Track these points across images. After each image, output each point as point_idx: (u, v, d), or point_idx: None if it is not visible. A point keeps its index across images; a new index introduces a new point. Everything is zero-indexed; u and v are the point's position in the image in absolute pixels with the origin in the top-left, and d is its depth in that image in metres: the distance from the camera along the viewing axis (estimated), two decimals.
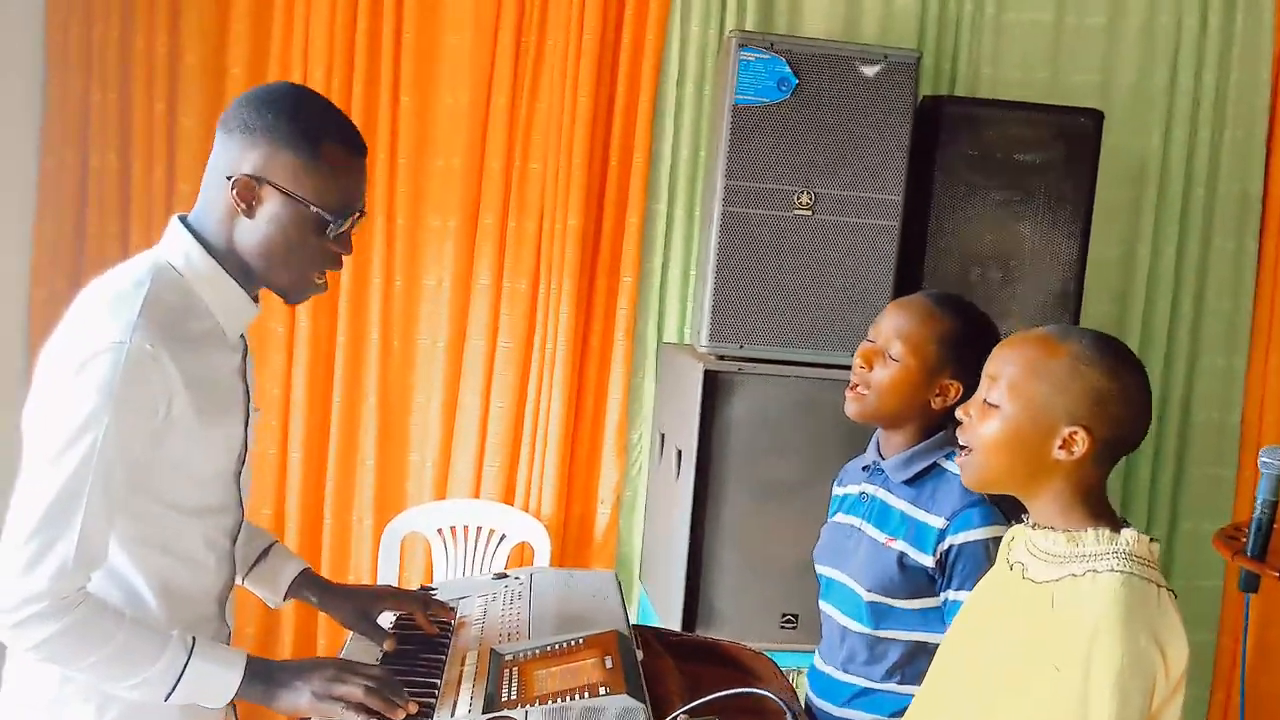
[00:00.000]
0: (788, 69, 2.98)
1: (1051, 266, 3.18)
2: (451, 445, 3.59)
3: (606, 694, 1.50)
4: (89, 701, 1.57)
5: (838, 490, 2.19)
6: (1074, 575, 1.45)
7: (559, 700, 1.50)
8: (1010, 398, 1.51)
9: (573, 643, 1.70)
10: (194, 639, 1.55)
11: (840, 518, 2.12)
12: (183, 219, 1.63)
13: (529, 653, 1.70)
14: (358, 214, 1.63)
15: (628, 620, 1.89)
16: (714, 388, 3.01)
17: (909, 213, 3.11)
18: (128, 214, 3.44)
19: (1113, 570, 1.43)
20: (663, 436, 3.40)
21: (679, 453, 3.10)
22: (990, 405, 1.53)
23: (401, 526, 3.54)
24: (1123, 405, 1.48)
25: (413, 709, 1.56)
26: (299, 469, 3.54)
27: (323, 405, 3.56)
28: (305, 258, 1.60)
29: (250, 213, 1.58)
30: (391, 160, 3.52)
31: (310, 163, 1.56)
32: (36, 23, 3.37)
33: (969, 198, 3.17)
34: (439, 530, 3.55)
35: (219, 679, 1.54)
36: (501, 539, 3.55)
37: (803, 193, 3.02)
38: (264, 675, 1.57)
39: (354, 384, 3.57)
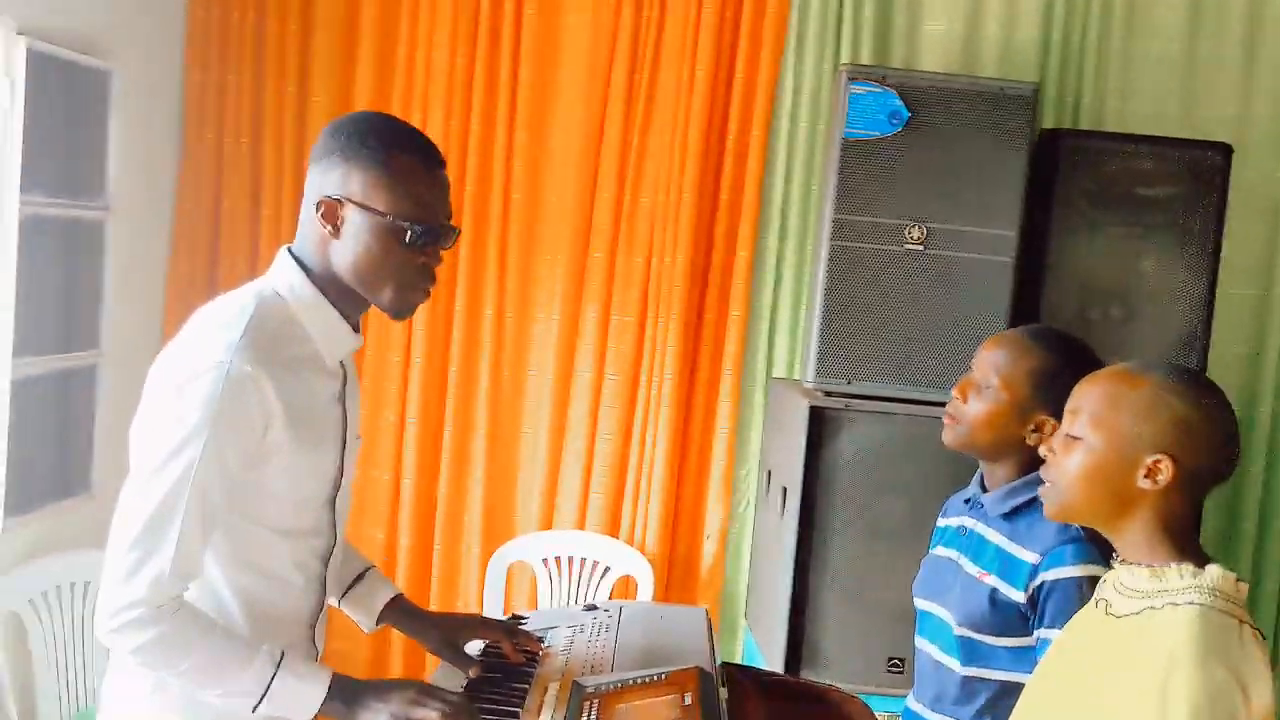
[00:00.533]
0: (899, 102, 2.93)
1: (1177, 305, 3.04)
2: (558, 476, 3.62)
3: None
4: (179, 714, 1.62)
5: (940, 522, 2.15)
6: (1153, 609, 1.41)
7: None
8: (1092, 429, 1.49)
9: (654, 678, 1.68)
10: (283, 653, 1.58)
11: (939, 550, 2.08)
12: (289, 249, 1.69)
13: (610, 686, 1.68)
14: (444, 227, 1.65)
15: (714, 657, 1.86)
16: (820, 424, 2.93)
17: (1026, 248, 3.01)
18: (256, 253, 3.59)
19: (1192, 603, 1.39)
20: (769, 473, 3.35)
21: (784, 490, 3.04)
22: (1072, 438, 1.50)
23: (508, 555, 3.57)
24: (1207, 434, 1.44)
25: None
26: (411, 495, 3.62)
27: (435, 435, 3.63)
28: (394, 270, 1.62)
29: (337, 233, 1.61)
30: (505, 196, 3.59)
31: (381, 175, 1.59)
32: (175, 77, 3.57)
33: (1089, 233, 3.06)
34: (544, 560, 3.57)
35: (304, 694, 1.57)
36: (605, 571, 3.55)
37: (914, 227, 2.95)
38: (346, 694, 1.60)
39: (465, 414, 3.63)
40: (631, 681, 1.69)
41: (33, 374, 2.97)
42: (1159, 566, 1.45)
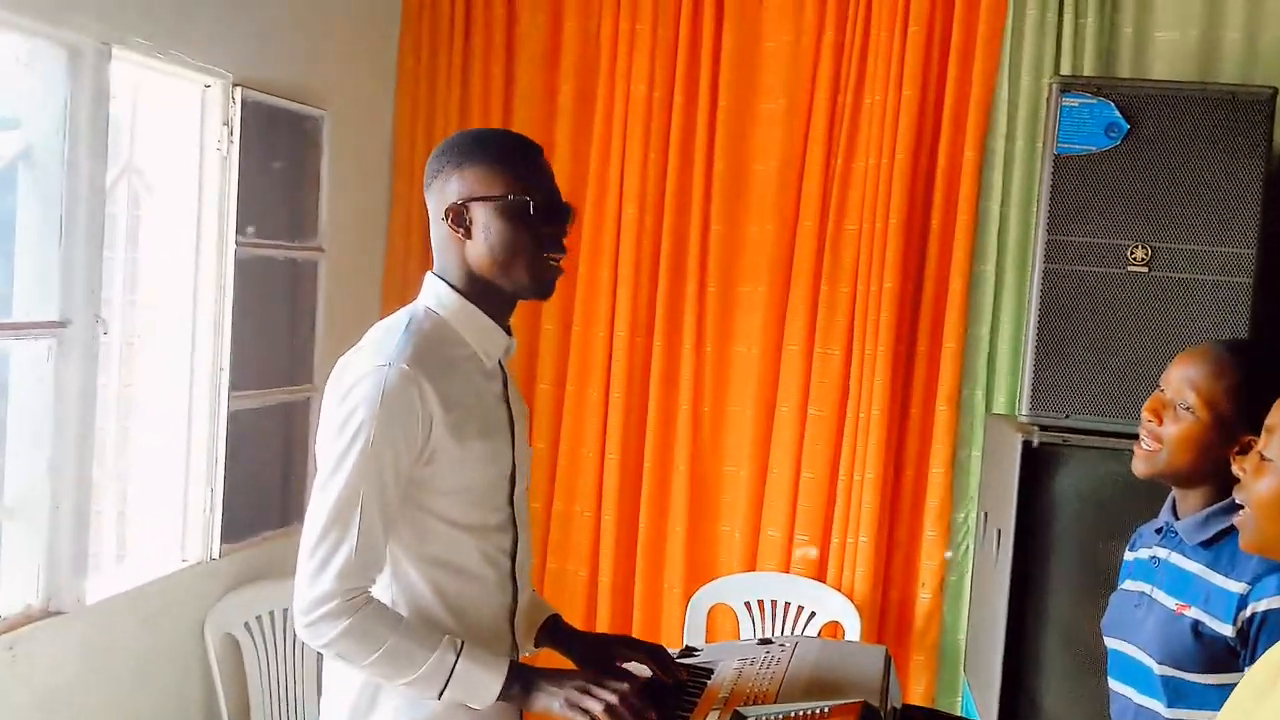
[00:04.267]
0: (1117, 114, 2.84)
1: None
2: (761, 516, 3.63)
3: None
4: (391, 703, 1.78)
5: (1128, 555, 2.06)
6: None
7: None
8: None
9: (817, 711, 1.68)
10: (462, 642, 1.73)
11: (1129, 584, 2.00)
12: (436, 274, 1.86)
13: (771, 716, 1.70)
14: (561, 203, 1.82)
15: (886, 695, 1.84)
16: (1034, 461, 2.85)
17: (1268, 269, 2.85)
18: None
19: None
20: (986, 516, 3.29)
21: (998, 534, 2.98)
22: (1266, 460, 1.40)
23: (709, 596, 3.62)
24: None
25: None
26: (611, 532, 3.71)
27: (634, 471, 3.72)
28: (525, 246, 1.79)
29: (468, 234, 1.79)
30: (704, 227, 3.67)
31: (490, 165, 1.79)
32: (386, 123, 3.86)
33: None
34: (746, 604, 3.59)
35: (484, 681, 1.73)
36: (811, 616, 3.53)
37: (1137, 247, 2.85)
38: (524, 680, 1.76)
39: (664, 450, 3.70)
40: (793, 714, 1.69)
41: (250, 407, 3.23)
42: None
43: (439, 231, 1.83)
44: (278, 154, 3.33)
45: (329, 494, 1.69)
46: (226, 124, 3.10)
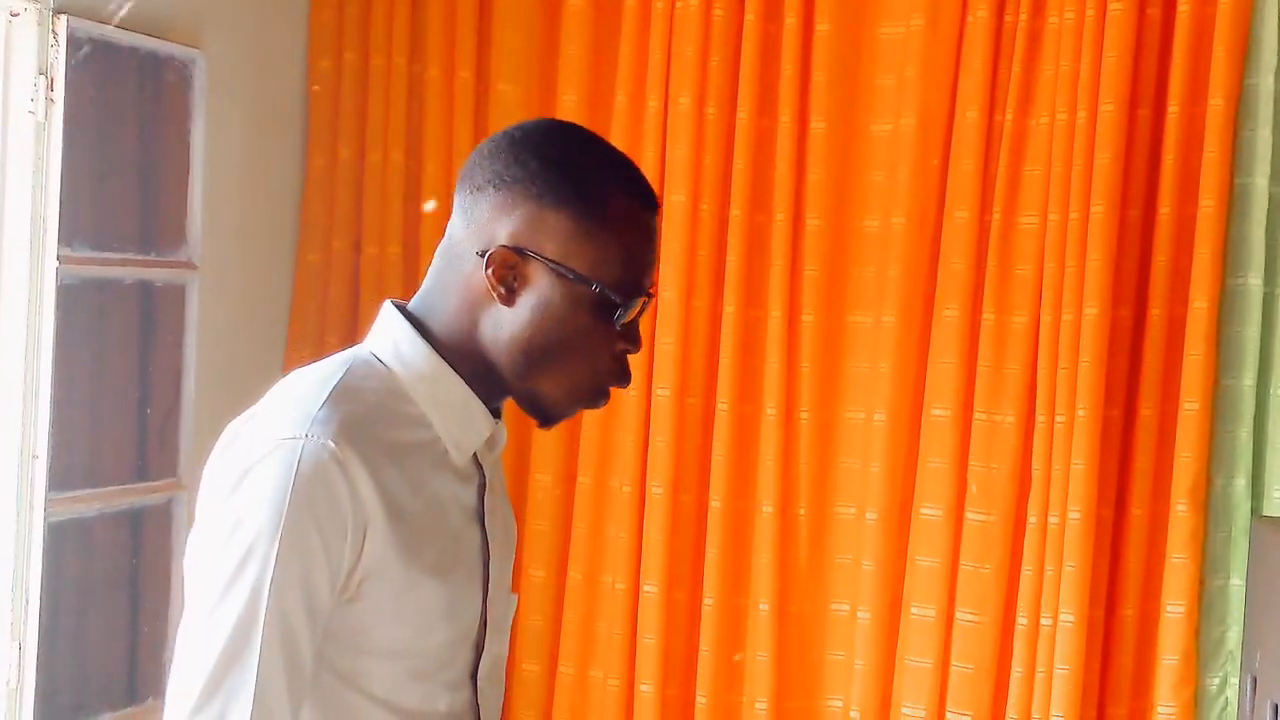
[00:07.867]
0: None
1: None
2: (892, 681, 3.55)
3: None
4: None
5: None
6: None
7: None
8: None
9: None
10: None
11: None
12: (399, 305, 1.79)
13: None
14: (646, 296, 1.79)
15: None
16: None
17: None
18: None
19: None
20: (1254, 683, 3.25)
21: (1275, 710, 3.00)
22: None
23: None
24: None
25: None
26: (653, 711, 3.61)
27: (687, 611, 3.65)
28: (583, 356, 1.76)
29: (510, 299, 1.72)
30: (795, 222, 3.62)
31: (592, 225, 1.72)
32: (294, 65, 3.85)
33: None
34: None
35: None
36: None
37: None
38: None
39: (735, 579, 3.64)
40: None
41: (81, 515, 3.14)
42: None
43: (459, 264, 1.76)
44: (125, 119, 3.29)
45: (210, 640, 1.60)
46: (44, 73, 3.05)
